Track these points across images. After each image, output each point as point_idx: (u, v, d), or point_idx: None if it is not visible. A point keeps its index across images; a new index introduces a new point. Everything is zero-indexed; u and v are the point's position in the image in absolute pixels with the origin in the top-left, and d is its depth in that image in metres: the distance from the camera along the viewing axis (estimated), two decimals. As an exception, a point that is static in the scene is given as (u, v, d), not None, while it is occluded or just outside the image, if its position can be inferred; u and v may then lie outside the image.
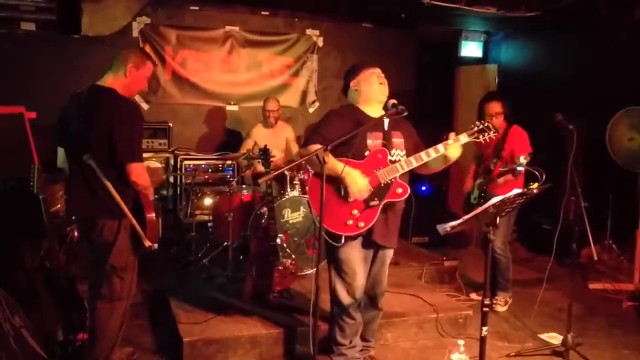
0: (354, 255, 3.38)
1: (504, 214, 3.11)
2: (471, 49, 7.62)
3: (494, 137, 3.40)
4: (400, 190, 3.33)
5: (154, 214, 3.20)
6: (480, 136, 3.34)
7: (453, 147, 3.29)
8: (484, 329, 3.00)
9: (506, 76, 7.36)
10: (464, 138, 3.31)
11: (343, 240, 3.31)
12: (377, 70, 3.47)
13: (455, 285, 5.27)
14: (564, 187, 4.18)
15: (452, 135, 3.33)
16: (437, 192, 6.87)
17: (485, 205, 2.94)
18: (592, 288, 5.43)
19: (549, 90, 6.43)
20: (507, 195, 2.98)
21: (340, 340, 3.49)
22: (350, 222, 3.28)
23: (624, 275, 5.58)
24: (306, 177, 4.92)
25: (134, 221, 3.11)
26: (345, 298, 3.42)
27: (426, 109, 7.16)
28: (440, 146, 3.30)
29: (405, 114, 3.25)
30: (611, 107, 5.59)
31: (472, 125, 3.36)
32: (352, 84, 3.50)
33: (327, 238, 3.27)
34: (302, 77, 7.25)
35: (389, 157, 3.33)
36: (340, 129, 3.22)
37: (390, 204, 3.35)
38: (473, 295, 4.95)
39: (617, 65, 5.93)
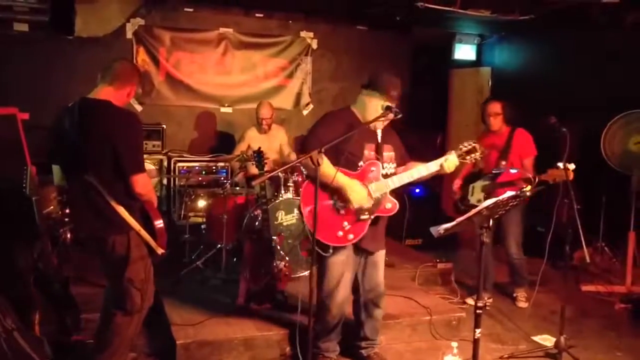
0: (340, 260, 3.44)
1: (497, 216, 3.12)
2: (465, 51, 7.65)
3: (480, 159, 3.48)
4: (389, 205, 3.41)
5: (161, 221, 3.17)
6: (468, 157, 3.41)
7: (450, 163, 3.34)
8: (477, 331, 3.01)
9: (499, 79, 7.39)
10: (453, 158, 3.36)
11: (331, 251, 3.37)
12: (390, 108, 3.30)
13: (449, 288, 5.28)
14: (556, 190, 4.20)
15: (448, 154, 3.38)
16: (430, 195, 6.88)
17: (479, 208, 2.96)
18: (585, 290, 5.45)
19: (542, 93, 6.46)
20: (500, 197, 2.99)
21: (318, 333, 3.57)
22: (341, 233, 3.34)
23: (616, 277, 5.60)
24: (300, 179, 4.92)
25: (143, 232, 3.08)
26: (327, 298, 3.50)
27: (420, 112, 7.18)
28: (432, 165, 3.36)
29: (400, 116, 3.25)
30: (604, 110, 5.62)
31: (461, 146, 3.41)
32: (366, 92, 3.40)
33: (316, 247, 3.28)
34: (297, 79, 7.25)
35: (382, 171, 3.39)
36: (335, 132, 3.19)
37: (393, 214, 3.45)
38: (469, 300, 4.93)
39: (609, 69, 5.97)
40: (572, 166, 4.07)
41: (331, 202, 3.33)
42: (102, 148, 2.95)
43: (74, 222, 3.26)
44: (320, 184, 3.16)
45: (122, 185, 2.99)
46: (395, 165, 3.50)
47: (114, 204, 2.99)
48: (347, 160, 3.29)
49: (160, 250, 3.15)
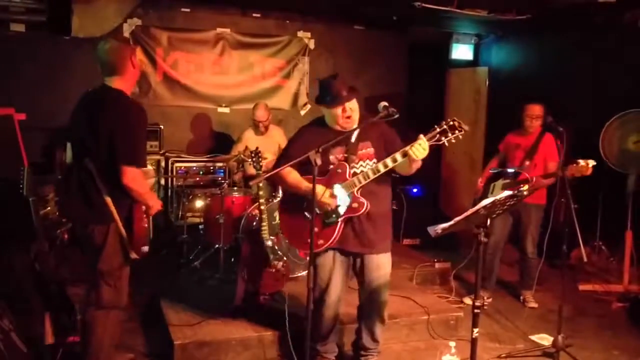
0: (328, 262, 3.43)
1: (494, 215, 3.12)
2: (462, 51, 7.65)
3: (461, 137, 3.16)
4: (355, 205, 3.30)
5: (142, 226, 3.12)
6: (443, 138, 3.12)
7: (416, 149, 3.08)
8: (475, 330, 3.01)
9: (497, 79, 7.39)
10: (422, 143, 3.09)
11: (307, 258, 3.34)
12: (345, 107, 3.29)
13: (446, 287, 5.29)
14: (554, 189, 4.21)
15: (419, 139, 3.13)
16: (428, 194, 6.89)
17: (477, 207, 2.95)
18: (582, 289, 5.46)
19: (539, 93, 6.45)
20: (498, 196, 2.99)
21: (314, 336, 3.53)
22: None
23: (613, 276, 5.61)
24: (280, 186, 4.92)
25: (122, 230, 3.04)
26: (318, 301, 3.48)
27: (417, 112, 7.18)
28: (397, 155, 3.18)
29: (396, 116, 3.19)
30: (601, 110, 5.63)
31: (435, 127, 3.14)
32: (321, 106, 3.43)
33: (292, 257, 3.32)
34: (294, 79, 7.24)
35: (352, 170, 3.32)
36: (307, 146, 3.10)
37: (363, 214, 3.33)
38: (466, 300, 4.94)
39: (607, 68, 5.98)
40: (592, 162, 4.08)
41: (303, 210, 3.32)
42: (100, 135, 2.95)
43: (61, 204, 3.23)
44: (292, 194, 3.32)
45: (116, 177, 2.96)
46: (375, 161, 3.35)
47: (103, 193, 2.98)
48: (319, 170, 3.21)
49: (133, 255, 3.10)
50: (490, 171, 4.94)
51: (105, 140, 2.94)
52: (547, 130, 4.80)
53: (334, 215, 3.31)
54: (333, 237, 3.34)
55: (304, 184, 3.32)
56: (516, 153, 4.88)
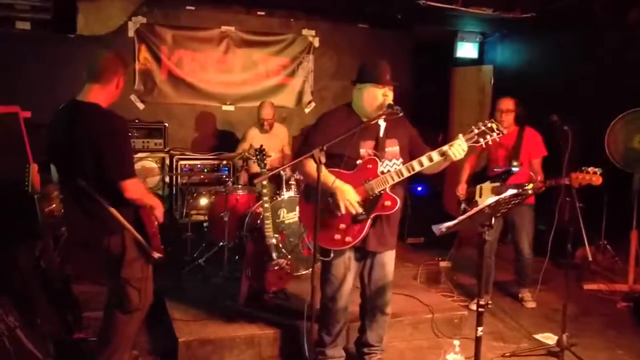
0: (343, 263, 3.35)
1: (499, 214, 3.12)
2: (467, 49, 7.64)
3: (498, 139, 3.19)
4: (388, 203, 3.24)
5: (155, 229, 3.13)
6: (481, 139, 3.14)
7: (456, 149, 3.09)
8: (479, 329, 3.01)
9: (501, 77, 7.38)
10: (461, 143, 3.10)
11: (332, 255, 3.29)
12: (387, 92, 3.25)
13: (450, 286, 5.28)
14: (559, 189, 4.20)
15: (456, 139, 3.13)
16: (432, 193, 6.89)
17: (481, 206, 2.95)
18: (587, 289, 5.44)
19: (544, 91, 6.45)
20: (502, 195, 2.98)
21: (324, 339, 3.52)
22: (338, 236, 3.25)
23: (618, 275, 5.60)
24: (301, 178, 4.92)
25: (135, 234, 3.04)
26: (330, 301, 3.43)
27: (422, 110, 7.17)
28: (434, 153, 3.15)
29: (401, 114, 3.17)
30: (606, 108, 5.61)
31: (472, 128, 3.16)
32: (358, 85, 3.33)
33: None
34: (298, 77, 7.24)
35: (380, 168, 3.23)
36: (332, 132, 3.08)
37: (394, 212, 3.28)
38: (472, 307, 4.89)
39: (611, 67, 5.95)
40: (598, 170, 4.05)
41: (328, 203, 3.19)
42: (88, 154, 2.91)
43: (66, 227, 3.21)
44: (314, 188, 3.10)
45: (111, 190, 2.94)
46: (401, 161, 3.30)
47: (105, 205, 2.96)
48: (344, 162, 3.20)
49: (156, 255, 3.11)
50: (495, 169, 4.90)
51: (92, 159, 2.91)
52: (525, 124, 4.75)
53: (364, 212, 3.21)
54: (362, 235, 3.25)
55: (329, 178, 3.16)
56: (498, 152, 4.75)
